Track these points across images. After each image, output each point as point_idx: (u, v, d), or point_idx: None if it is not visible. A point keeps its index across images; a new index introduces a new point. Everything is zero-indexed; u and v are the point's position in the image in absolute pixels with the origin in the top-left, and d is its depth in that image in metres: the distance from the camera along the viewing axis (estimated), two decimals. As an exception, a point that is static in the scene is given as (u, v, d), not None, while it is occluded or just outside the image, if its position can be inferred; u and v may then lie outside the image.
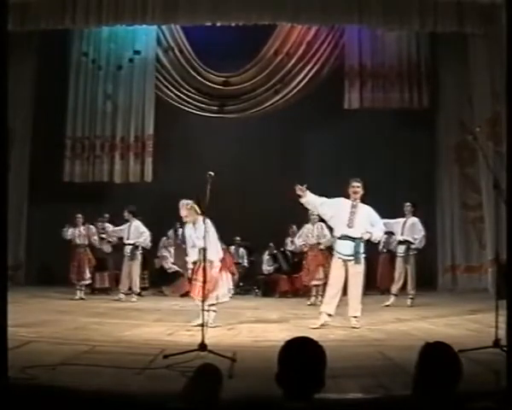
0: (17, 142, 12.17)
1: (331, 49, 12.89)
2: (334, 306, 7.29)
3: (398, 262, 10.13)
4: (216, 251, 7.16)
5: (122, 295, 10.51)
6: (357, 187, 7.37)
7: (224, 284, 7.44)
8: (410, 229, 9.99)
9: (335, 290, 7.31)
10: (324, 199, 7.48)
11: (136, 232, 10.73)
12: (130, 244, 10.67)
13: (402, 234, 10.02)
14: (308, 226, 10.59)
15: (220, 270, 7.30)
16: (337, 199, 7.47)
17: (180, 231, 10.38)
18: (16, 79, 10.43)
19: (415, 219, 10.07)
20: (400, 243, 10.08)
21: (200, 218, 7.13)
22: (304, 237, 10.65)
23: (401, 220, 10.09)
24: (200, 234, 6.82)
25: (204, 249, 6.29)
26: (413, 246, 9.95)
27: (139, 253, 10.77)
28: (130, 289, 10.69)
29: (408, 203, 10.09)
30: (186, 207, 7.40)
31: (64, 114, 12.88)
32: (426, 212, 12.68)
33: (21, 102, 11.99)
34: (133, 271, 10.65)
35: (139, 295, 10.86)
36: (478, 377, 4.10)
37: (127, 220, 10.84)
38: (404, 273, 10.00)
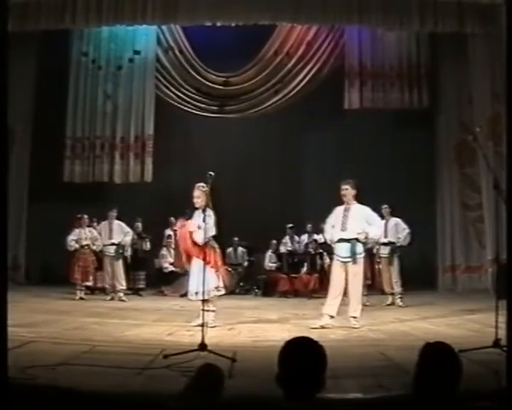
0: (17, 142, 12.18)
1: (331, 49, 12.89)
2: (336, 307, 7.34)
3: (382, 263, 10.13)
4: (200, 237, 7.18)
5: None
6: (344, 189, 7.45)
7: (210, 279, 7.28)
8: (392, 229, 9.98)
9: (337, 292, 7.37)
10: (329, 221, 7.66)
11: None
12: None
13: (385, 236, 9.91)
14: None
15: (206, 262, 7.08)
16: (334, 210, 7.60)
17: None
18: (16, 79, 10.41)
19: (397, 220, 10.04)
20: (384, 244, 9.99)
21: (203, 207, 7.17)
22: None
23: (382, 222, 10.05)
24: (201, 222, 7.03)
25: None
26: (398, 245, 9.93)
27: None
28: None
29: (385, 205, 10.01)
30: (201, 188, 7.24)
31: (64, 114, 12.87)
32: (426, 212, 12.70)
33: (21, 102, 11.98)
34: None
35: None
36: (478, 377, 4.09)
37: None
38: (388, 274, 9.99)
